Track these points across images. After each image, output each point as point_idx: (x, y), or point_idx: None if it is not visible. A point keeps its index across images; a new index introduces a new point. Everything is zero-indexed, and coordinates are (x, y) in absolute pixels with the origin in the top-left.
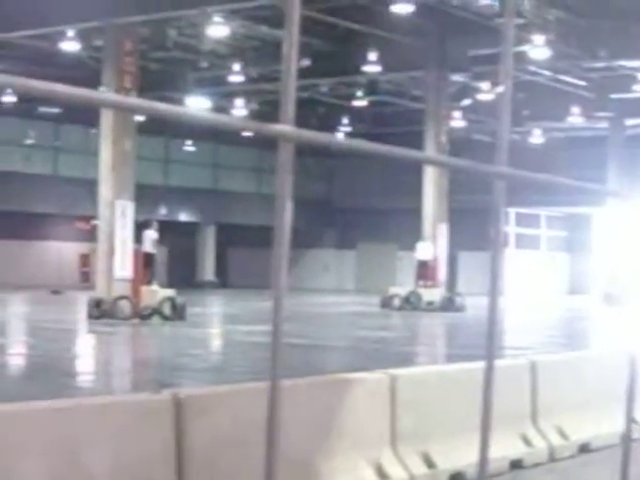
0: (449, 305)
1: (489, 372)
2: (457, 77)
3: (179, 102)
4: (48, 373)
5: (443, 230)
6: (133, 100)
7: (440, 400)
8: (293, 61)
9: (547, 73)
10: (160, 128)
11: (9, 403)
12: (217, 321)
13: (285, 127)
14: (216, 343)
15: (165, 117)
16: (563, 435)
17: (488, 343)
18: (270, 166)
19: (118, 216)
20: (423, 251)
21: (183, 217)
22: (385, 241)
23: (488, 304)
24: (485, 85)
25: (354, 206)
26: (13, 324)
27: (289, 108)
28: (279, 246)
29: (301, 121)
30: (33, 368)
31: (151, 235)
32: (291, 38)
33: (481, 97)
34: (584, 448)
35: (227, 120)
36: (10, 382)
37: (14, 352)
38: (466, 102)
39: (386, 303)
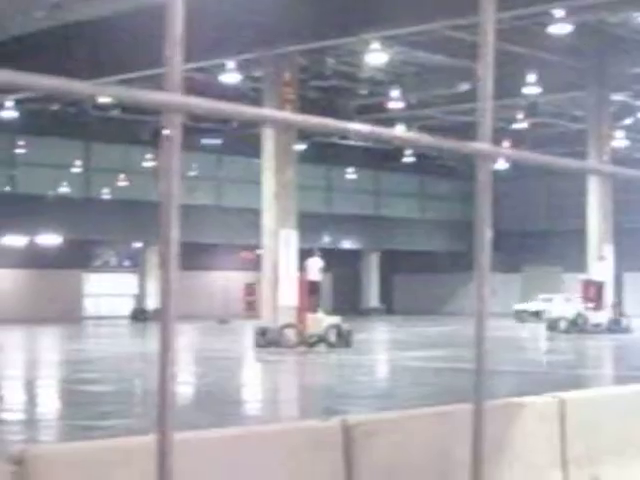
0: (616, 327)
1: None
2: (617, 96)
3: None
4: (217, 402)
5: (608, 251)
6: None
7: (611, 423)
8: (489, 82)
9: None
10: (321, 156)
11: (180, 432)
12: (383, 347)
13: (484, 145)
14: (382, 369)
15: (337, 133)
16: None
17: None
18: (433, 192)
19: (282, 245)
20: (593, 273)
21: (346, 244)
22: (550, 263)
23: None
24: None
25: (519, 229)
26: (183, 354)
27: (486, 127)
28: (480, 269)
29: None
30: (202, 397)
31: (316, 263)
32: (486, 61)
33: None
34: None
35: (428, 140)
36: (180, 411)
37: (184, 381)
38: (628, 121)
39: (552, 326)
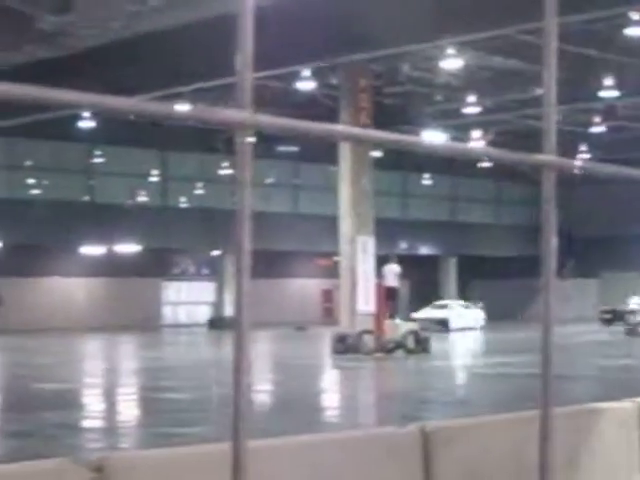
0: None
1: None
2: None
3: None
4: (296, 408)
5: None
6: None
7: None
8: (552, 90)
9: None
10: (397, 163)
11: (260, 439)
12: (461, 353)
13: (549, 157)
14: (460, 375)
15: (410, 148)
16: None
17: None
18: (509, 197)
19: (359, 251)
20: None
21: (423, 250)
22: (628, 268)
23: None
24: None
25: (594, 234)
26: (261, 361)
27: (551, 136)
28: (546, 277)
29: (538, 150)
30: (281, 404)
31: (394, 269)
32: (550, 69)
33: None
34: None
35: (496, 153)
36: (260, 418)
37: (263, 389)
38: None
39: (632, 331)
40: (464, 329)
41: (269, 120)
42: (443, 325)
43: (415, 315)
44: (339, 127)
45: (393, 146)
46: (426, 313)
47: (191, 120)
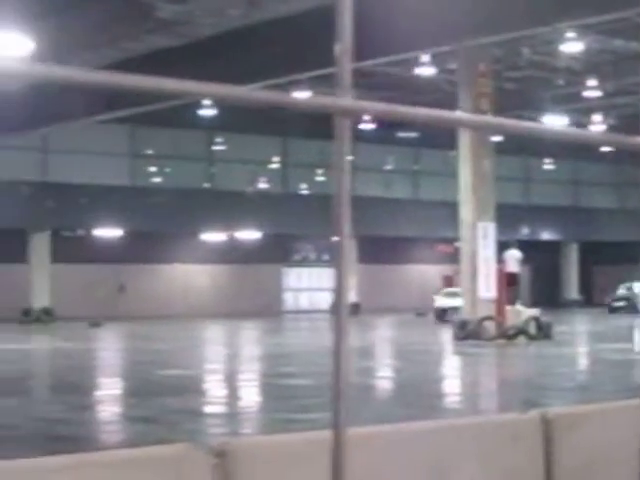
0: None
1: None
2: None
3: (535, 121)
4: (417, 395)
5: None
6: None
7: None
8: None
9: None
10: (518, 147)
11: (381, 425)
12: (583, 339)
13: None
14: (583, 362)
15: (525, 135)
16: None
17: None
18: (632, 181)
19: (480, 237)
20: None
21: (545, 236)
22: None
23: None
24: None
25: None
26: (383, 347)
27: None
28: None
29: None
30: (402, 390)
31: (515, 255)
32: None
33: None
34: None
35: (615, 138)
36: (381, 404)
37: (384, 375)
38: None
39: None
40: None
41: (369, 105)
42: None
43: (440, 303)
44: (437, 112)
45: (515, 132)
46: (440, 301)
47: (295, 107)
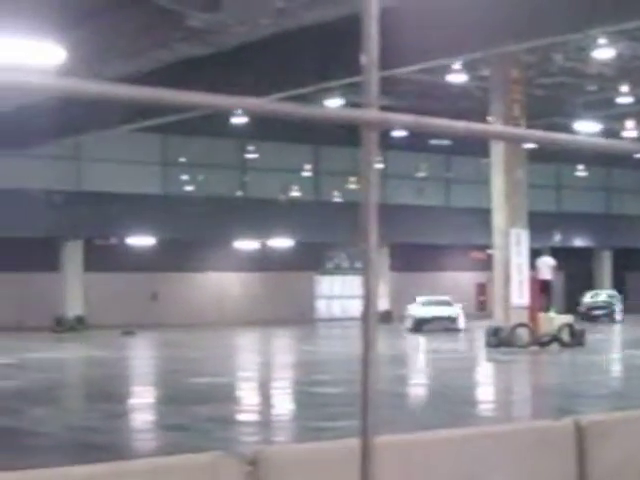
0: None
1: None
2: None
3: (567, 127)
4: (449, 402)
5: None
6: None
7: None
8: None
9: None
10: (551, 154)
11: (416, 432)
12: (616, 347)
13: None
14: (616, 369)
15: (555, 146)
16: None
17: None
18: None
19: (513, 244)
20: None
21: (578, 242)
22: None
23: None
24: None
25: None
26: (416, 355)
27: None
28: None
29: None
30: (436, 397)
31: (548, 262)
32: None
33: None
34: None
35: (620, 144)
36: (413, 411)
37: (416, 382)
38: None
39: None
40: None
41: (395, 117)
42: (451, 322)
43: (419, 313)
44: (461, 124)
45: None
46: (429, 311)
47: (322, 120)
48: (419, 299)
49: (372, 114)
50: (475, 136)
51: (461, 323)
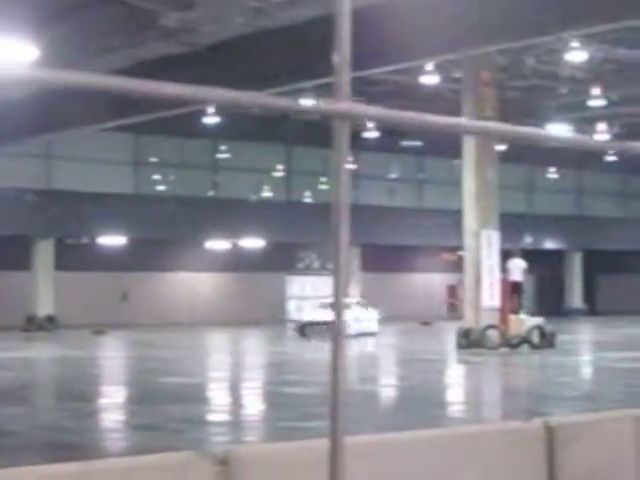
0: None
1: None
2: None
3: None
4: (419, 403)
5: None
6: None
7: None
8: None
9: None
10: (522, 156)
11: (387, 433)
12: (587, 349)
13: None
14: (586, 371)
15: (525, 141)
16: None
17: None
18: (636, 190)
19: (484, 246)
20: None
21: (548, 244)
22: None
23: None
24: None
25: None
26: (387, 355)
27: None
28: None
29: None
30: (406, 399)
31: (519, 264)
32: None
33: None
34: None
35: (621, 145)
36: (385, 412)
37: (389, 383)
38: None
39: None
40: (361, 335)
41: (367, 109)
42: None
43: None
44: (433, 117)
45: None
46: (315, 314)
47: (296, 112)
48: (322, 301)
49: (344, 105)
50: (443, 131)
51: (372, 328)
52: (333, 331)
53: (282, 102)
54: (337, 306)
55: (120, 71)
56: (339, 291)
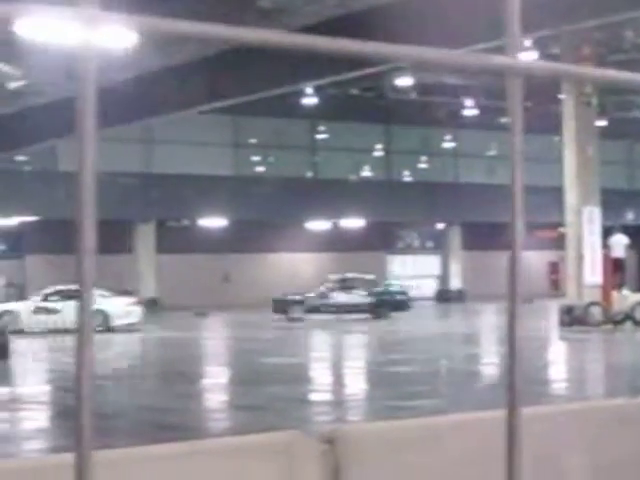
0: None
1: None
2: None
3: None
4: (524, 381)
5: None
6: None
7: None
8: None
9: None
10: (623, 132)
11: (483, 411)
12: None
13: None
14: None
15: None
16: None
17: None
18: None
19: (585, 222)
20: None
21: None
22: None
23: None
24: None
25: None
26: (491, 333)
27: None
28: None
29: None
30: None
31: (621, 240)
32: None
33: None
34: None
35: None
36: (486, 390)
37: (491, 361)
38: None
39: None
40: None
41: (538, 65)
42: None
43: None
44: (611, 72)
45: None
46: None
47: (459, 68)
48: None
49: (514, 60)
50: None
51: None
52: (509, 304)
53: (441, 54)
54: (512, 280)
55: (217, 55)
56: (515, 265)
